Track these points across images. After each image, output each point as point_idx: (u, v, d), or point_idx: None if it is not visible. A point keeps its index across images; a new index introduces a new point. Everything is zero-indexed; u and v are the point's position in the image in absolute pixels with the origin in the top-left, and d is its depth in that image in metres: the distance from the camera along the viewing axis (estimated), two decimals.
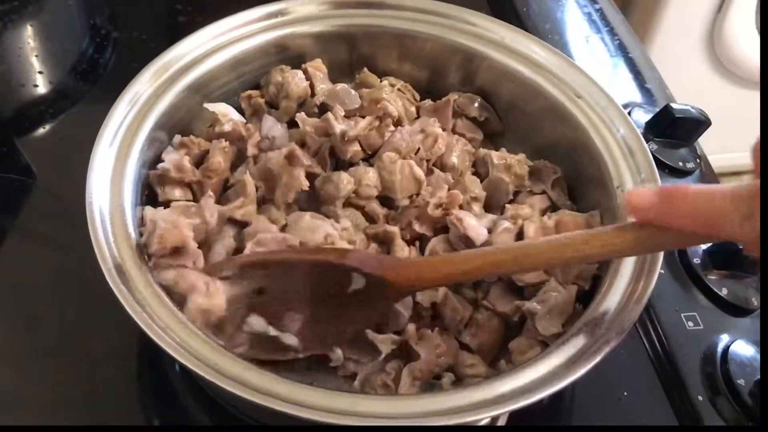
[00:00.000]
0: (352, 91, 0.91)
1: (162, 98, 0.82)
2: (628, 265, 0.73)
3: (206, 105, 0.88)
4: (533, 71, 0.90)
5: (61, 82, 1.13)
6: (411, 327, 0.74)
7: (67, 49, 1.20)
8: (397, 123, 0.90)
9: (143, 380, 0.82)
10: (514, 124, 0.95)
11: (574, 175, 0.88)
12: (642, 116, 1.09)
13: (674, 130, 1.05)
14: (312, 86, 0.92)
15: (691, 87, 1.60)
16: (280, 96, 0.90)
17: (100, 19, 1.24)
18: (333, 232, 0.77)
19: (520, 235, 0.81)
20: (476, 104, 0.94)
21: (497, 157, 0.88)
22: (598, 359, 0.64)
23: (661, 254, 0.72)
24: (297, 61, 0.94)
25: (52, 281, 0.88)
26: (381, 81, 0.95)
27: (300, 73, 0.91)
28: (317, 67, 0.93)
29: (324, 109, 0.88)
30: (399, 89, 0.94)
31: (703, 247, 0.94)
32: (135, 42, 1.19)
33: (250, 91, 0.92)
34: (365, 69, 0.96)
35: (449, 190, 0.84)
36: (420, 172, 0.84)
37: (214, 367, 0.61)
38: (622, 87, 1.19)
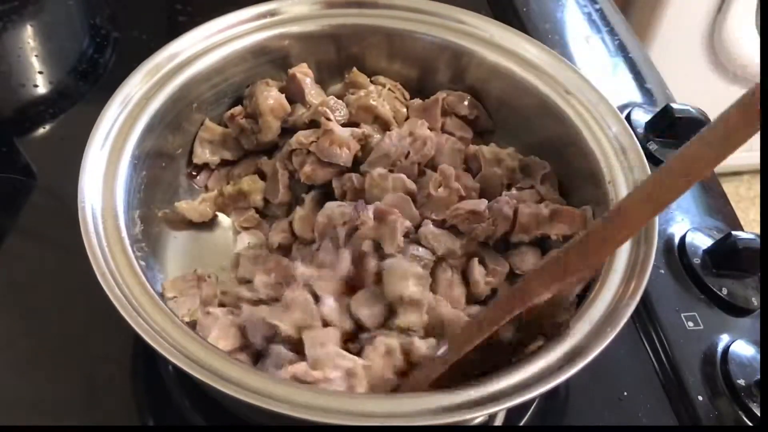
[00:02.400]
0: (340, 102, 0.91)
1: (154, 99, 0.82)
2: (621, 260, 0.72)
3: None
4: (523, 68, 0.90)
5: (61, 82, 1.13)
6: None
7: (67, 49, 1.20)
8: (386, 127, 0.89)
9: (139, 381, 0.82)
10: (504, 121, 0.95)
11: (565, 171, 0.88)
12: (642, 116, 1.09)
13: (674, 130, 1.05)
14: (289, 99, 0.92)
15: (691, 87, 1.60)
16: (256, 113, 0.90)
17: (100, 19, 1.24)
18: None
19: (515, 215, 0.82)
20: (466, 102, 0.94)
21: (488, 152, 0.88)
22: (593, 355, 0.64)
23: (653, 249, 0.72)
24: (287, 61, 0.94)
25: (51, 281, 0.88)
26: (371, 80, 0.96)
27: (274, 90, 0.91)
28: (305, 72, 0.93)
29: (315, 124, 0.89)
30: (389, 89, 0.94)
31: (703, 246, 0.94)
32: (135, 42, 1.19)
33: (233, 110, 0.92)
34: (354, 69, 0.96)
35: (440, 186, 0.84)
36: (411, 185, 0.84)
37: (210, 369, 0.61)
38: (622, 87, 1.19)
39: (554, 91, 0.88)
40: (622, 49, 1.27)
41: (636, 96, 1.18)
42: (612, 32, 1.30)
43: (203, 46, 0.88)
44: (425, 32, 0.93)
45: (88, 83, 1.13)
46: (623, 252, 0.73)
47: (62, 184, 0.94)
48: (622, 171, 0.80)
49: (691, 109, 1.06)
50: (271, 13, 0.93)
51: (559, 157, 0.88)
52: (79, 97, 1.11)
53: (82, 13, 1.27)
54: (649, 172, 0.80)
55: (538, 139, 0.91)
